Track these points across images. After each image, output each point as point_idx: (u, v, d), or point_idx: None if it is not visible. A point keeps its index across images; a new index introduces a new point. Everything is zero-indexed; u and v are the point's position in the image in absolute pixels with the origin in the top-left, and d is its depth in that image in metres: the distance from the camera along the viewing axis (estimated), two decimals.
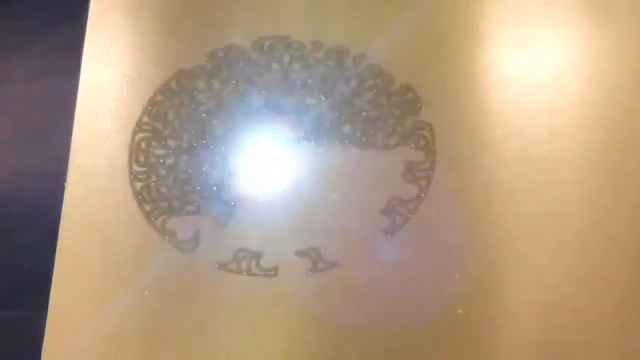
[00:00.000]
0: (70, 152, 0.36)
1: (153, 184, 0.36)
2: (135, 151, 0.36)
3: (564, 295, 0.33)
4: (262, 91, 0.37)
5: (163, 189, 0.36)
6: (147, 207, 0.35)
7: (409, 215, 0.34)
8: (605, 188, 0.34)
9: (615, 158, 0.35)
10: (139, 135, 0.37)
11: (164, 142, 0.37)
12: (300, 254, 0.34)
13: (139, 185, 0.36)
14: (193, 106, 0.37)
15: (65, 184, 0.36)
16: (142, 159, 0.36)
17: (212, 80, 0.37)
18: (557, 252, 0.34)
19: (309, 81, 0.37)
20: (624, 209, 0.34)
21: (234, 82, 0.37)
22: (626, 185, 0.34)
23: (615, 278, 0.33)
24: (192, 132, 0.37)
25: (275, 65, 0.37)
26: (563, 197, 0.34)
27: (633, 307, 0.33)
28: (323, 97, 0.37)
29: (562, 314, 0.33)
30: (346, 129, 0.36)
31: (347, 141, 0.36)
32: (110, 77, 0.38)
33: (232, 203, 0.35)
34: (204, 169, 0.36)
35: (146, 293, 0.34)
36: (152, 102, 0.37)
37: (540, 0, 0.38)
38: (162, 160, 0.36)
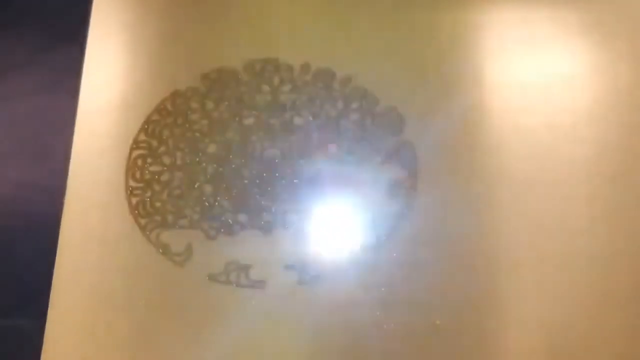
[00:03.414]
0: (70, 168, 0.38)
1: (148, 199, 0.37)
2: (131, 167, 0.38)
3: (554, 313, 0.34)
4: (253, 111, 0.38)
5: (157, 204, 0.37)
6: (142, 221, 0.37)
7: (392, 232, 0.35)
8: (594, 202, 0.35)
9: (605, 174, 0.36)
10: (136, 153, 0.38)
11: (159, 159, 0.38)
12: (288, 267, 0.35)
13: (135, 200, 0.37)
14: (187, 125, 0.38)
15: (64, 199, 0.37)
16: (138, 175, 0.38)
17: (205, 101, 0.39)
18: (543, 269, 0.34)
19: (297, 102, 0.38)
20: (615, 224, 0.35)
21: (226, 102, 0.38)
22: (616, 199, 0.35)
23: (606, 294, 0.34)
24: (186, 150, 0.38)
25: (265, 87, 0.39)
26: (548, 212, 0.35)
27: (631, 323, 0.33)
28: (311, 118, 0.38)
29: (553, 331, 0.33)
30: (332, 147, 0.37)
31: (333, 159, 0.37)
32: (109, 97, 0.39)
33: (223, 217, 0.37)
34: (196, 185, 0.37)
35: (140, 303, 0.35)
36: (148, 121, 0.38)
37: (527, 20, 0.39)
38: (157, 177, 0.38)
